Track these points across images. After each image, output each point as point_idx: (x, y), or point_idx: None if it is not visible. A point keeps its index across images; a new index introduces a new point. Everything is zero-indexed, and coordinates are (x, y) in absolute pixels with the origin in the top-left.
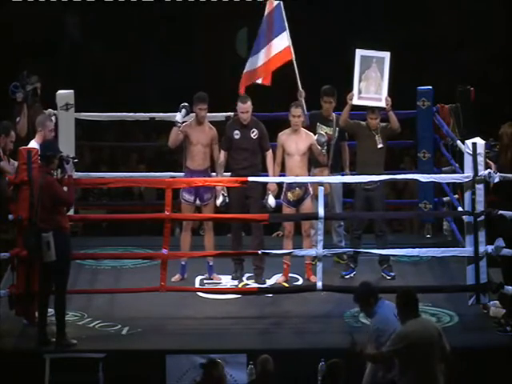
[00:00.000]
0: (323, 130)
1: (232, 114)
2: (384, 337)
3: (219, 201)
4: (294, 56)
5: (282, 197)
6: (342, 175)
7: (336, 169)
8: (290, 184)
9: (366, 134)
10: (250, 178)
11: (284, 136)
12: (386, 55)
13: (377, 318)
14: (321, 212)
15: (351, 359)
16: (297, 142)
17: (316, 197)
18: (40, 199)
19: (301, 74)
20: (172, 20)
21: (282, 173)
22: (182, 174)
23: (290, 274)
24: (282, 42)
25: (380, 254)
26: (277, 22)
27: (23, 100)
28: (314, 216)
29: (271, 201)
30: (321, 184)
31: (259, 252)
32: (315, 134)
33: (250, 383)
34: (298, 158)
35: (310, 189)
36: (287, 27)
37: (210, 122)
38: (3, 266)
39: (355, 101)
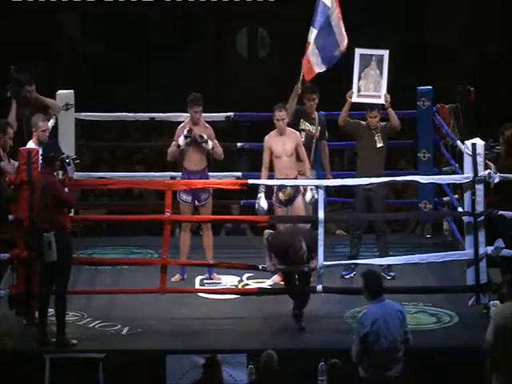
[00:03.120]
0: (306, 126)
1: (232, 114)
2: (361, 332)
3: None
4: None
5: (273, 198)
6: (323, 174)
7: (314, 166)
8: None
9: (365, 133)
10: (250, 181)
11: (270, 138)
12: (385, 53)
13: (365, 312)
14: (320, 215)
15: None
16: (284, 143)
17: (304, 192)
18: (42, 199)
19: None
20: (172, 20)
21: (271, 172)
22: (180, 173)
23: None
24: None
25: (380, 254)
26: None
27: (11, 96)
28: (313, 220)
29: (263, 203)
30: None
31: (260, 267)
32: (299, 129)
33: (251, 383)
34: (287, 158)
35: (301, 188)
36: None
37: (211, 122)
38: (3, 266)
39: (354, 99)
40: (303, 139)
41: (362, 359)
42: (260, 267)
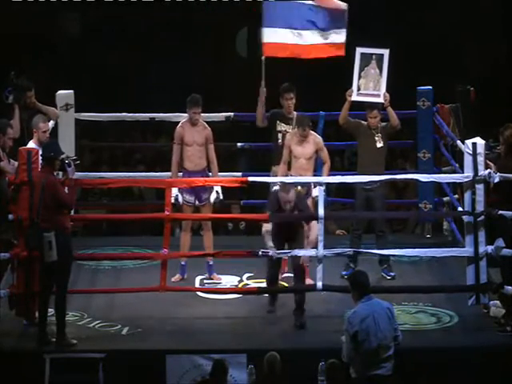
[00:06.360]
0: (282, 127)
1: (232, 114)
2: (351, 331)
3: (213, 197)
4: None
5: None
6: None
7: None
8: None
9: (366, 133)
10: (250, 178)
11: (292, 139)
12: (385, 52)
13: (354, 310)
14: (321, 212)
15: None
16: (304, 146)
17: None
18: (42, 199)
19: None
20: (173, 20)
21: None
22: (181, 174)
23: (288, 274)
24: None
25: (380, 254)
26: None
27: (13, 101)
28: (313, 216)
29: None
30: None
31: (260, 253)
32: (276, 131)
33: (252, 383)
34: (304, 161)
35: (312, 190)
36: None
37: (210, 122)
38: (3, 266)
39: (354, 97)
40: (280, 140)
41: (353, 359)
42: (260, 252)
